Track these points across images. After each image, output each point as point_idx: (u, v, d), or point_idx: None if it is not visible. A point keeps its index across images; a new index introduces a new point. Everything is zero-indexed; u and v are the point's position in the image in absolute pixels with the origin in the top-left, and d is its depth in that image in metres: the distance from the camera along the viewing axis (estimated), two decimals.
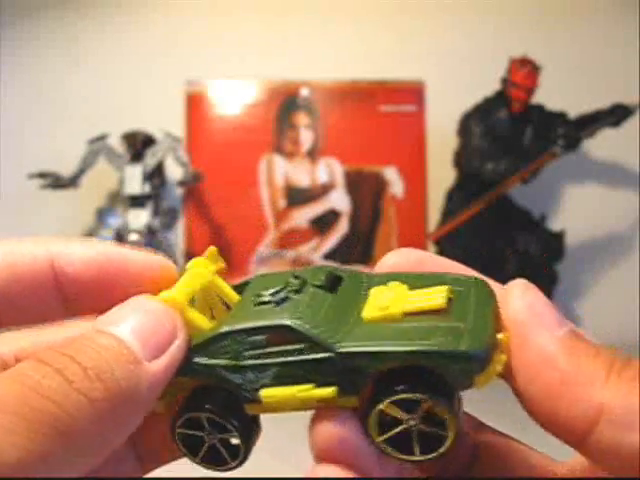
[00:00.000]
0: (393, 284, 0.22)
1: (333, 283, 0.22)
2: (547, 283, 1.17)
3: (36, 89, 1.31)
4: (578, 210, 1.32)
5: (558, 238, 1.18)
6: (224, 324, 0.21)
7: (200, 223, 1.21)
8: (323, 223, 1.22)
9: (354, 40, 1.31)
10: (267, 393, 0.21)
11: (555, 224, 1.23)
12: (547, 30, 1.31)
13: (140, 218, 1.10)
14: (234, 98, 1.24)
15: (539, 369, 0.19)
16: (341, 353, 0.20)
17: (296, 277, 0.22)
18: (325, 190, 1.23)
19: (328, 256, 1.21)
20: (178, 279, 0.23)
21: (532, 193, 1.21)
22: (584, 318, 1.29)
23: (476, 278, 0.22)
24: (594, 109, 1.15)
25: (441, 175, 1.20)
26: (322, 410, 0.21)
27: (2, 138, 1.27)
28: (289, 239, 1.22)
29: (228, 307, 0.24)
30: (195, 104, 1.23)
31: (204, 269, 0.23)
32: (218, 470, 0.23)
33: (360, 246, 1.23)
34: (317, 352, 0.20)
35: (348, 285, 0.22)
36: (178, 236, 1.21)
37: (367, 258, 1.22)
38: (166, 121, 1.18)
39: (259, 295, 0.22)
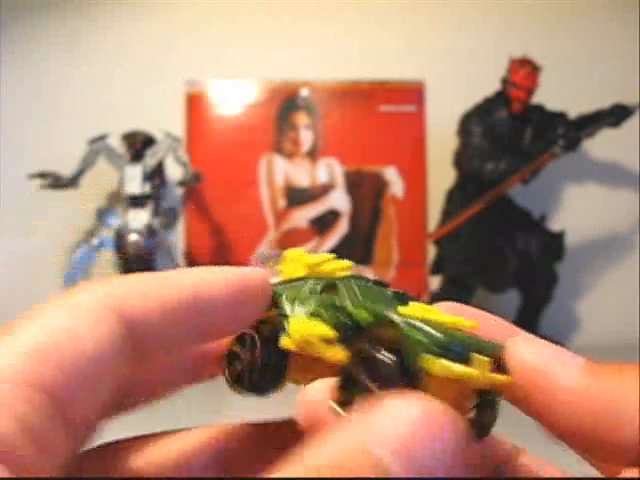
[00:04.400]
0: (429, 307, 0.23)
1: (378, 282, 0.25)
2: (547, 283, 1.17)
3: (36, 89, 1.31)
4: (578, 210, 1.32)
5: (558, 238, 1.18)
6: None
7: (200, 223, 1.21)
8: (323, 223, 1.22)
9: (354, 40, 1.31)
10: (294, 320, 0.23)
11: (555, 224, 1.23)
12: (547, 30, 1.31)
13: (140, 218, 1.10)
14: (234, 98, 1.24)
15: (572, 401, 0.18)
16: (362, 306, 0.21)
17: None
18: (325, 190, 1.23)
19: None
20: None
21: (532, 193, 1.21)
22: (584, 318, 1.29)
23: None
24: (594, 109, 1.15)
25: (441, 175, 1.20)
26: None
27: (2, 138, 1.27)
28: (289, 239, 1.22)
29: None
30: (195, 104, 1.23)
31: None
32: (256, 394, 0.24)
33: (360, 246, 1.23)
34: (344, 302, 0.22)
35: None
36: (178, 236, 1.20)
37: (367, 258, 1.22)
38: (166, 121, 1.18)
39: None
